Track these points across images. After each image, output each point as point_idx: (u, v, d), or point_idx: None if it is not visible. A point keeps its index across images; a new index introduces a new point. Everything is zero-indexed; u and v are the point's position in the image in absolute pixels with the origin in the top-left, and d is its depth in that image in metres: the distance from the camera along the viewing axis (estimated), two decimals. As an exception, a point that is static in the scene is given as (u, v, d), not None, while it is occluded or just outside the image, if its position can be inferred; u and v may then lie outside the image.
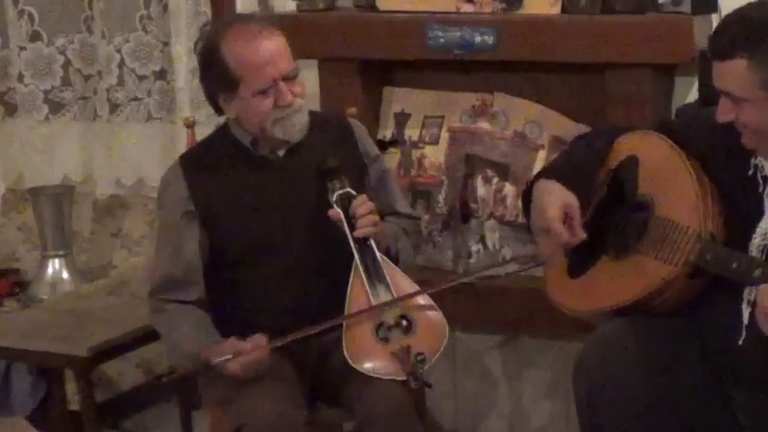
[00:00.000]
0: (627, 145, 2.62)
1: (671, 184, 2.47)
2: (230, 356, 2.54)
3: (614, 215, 2.57)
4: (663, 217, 2.45)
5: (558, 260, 2.64)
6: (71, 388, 3.44)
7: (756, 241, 2.35)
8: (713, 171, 2.46)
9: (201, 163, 2.81)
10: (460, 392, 3.61)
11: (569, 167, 2.59)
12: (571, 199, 2.51)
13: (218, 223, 2.75)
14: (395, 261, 2.77)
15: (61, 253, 3.90)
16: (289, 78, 2.70)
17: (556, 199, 2.51)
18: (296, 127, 2.72)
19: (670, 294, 2.42)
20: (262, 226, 2.74)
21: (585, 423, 2.46)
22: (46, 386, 3.62)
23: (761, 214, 2.36)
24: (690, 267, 2.38)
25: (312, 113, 2.82)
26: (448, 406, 3.61)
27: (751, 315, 2.29)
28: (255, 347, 2.56)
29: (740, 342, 2.33)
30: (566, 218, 2.50)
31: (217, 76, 2.71)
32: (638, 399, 2.36)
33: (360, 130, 2.95)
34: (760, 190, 2.37)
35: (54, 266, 3.89)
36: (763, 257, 2.33)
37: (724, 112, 2.34)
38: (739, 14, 2.33)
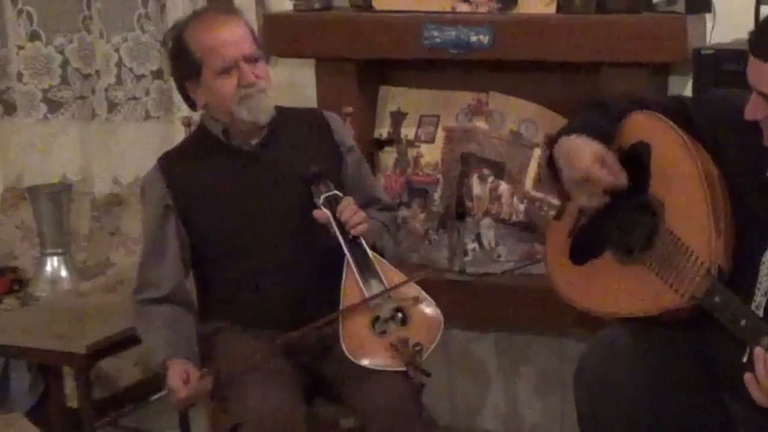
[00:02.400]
0: (641, 126, 2.49)
1: (684, 196, 2.36)
2: (166, 392, 2.61)
3: (621, 206, 2.47)
4: (671, 233, 2.36)
5: (563, 241, 2.59)
6: (70, 385, 3.45)
7: None
8: (727, 168, 2.37)
9: (177, 159, 2.86)
10: (455, 389, 3.63)
11: (588, 127, 2.47)
12: (599, 147, 2.40)
13: (197, 216, 2.78)
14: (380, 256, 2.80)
15: (60, 251, 3.91)
16: (251, 60, 2.75)
17: (587, 148, 2.40)
18: (261, 107, 2.75)
19: (673, 316, 2.36)
20: (240, 217, 2.77)
21: (585, 429, 2.45)
22: (45, 383, 3.63)
23: None
24: (695, 302, 2.28)
25: (284, 108, 2.86)
26: (444, 402, 3.62)
27: None
28: (190, 383, 2.60)
29: (744, 359, 2.24)
30: (602, 164, 2.40)
31: (182, 63, 2.78)
32: (639, 408, 2.33)
33: (335, 121, 2.98)
34: None
35: (52, 264, 3.90)
36: None
37: (755, 111, 2.22)
38: None
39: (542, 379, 3.54)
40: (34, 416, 3.35)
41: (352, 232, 2.67)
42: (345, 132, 3.01)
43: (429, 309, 2.67)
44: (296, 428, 2.56)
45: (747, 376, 2.14)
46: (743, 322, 2.19)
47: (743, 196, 2.34)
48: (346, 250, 2.67)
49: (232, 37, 2.74)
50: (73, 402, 3.44)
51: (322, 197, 2.72)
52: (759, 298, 2.26)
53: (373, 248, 2.77)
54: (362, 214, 2.71)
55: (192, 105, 2.86)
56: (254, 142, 2.82)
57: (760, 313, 2.23)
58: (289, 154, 2.81)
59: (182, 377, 2.60)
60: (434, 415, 3.62)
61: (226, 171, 2.80)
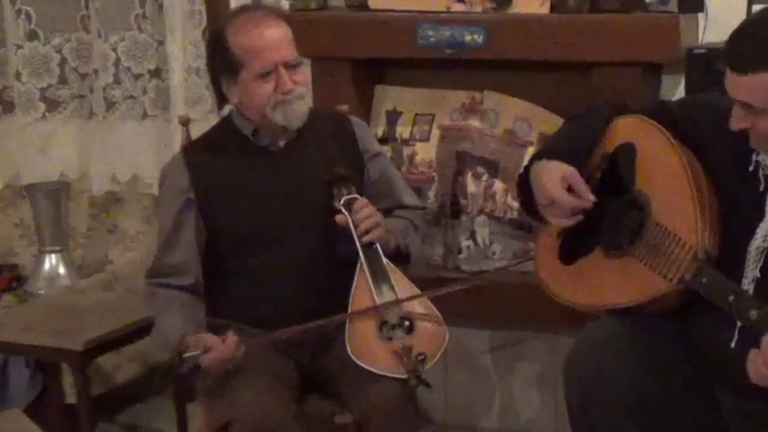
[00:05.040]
0: (624, 129, 2.55)
1: (669, 188, 2.41)
2: (200, 351, 2.56)
3: (609, 206, 2.52)
4: (659, 223, 2.40)
5: (551, 243, 2.61)
6: (68, 381, 3.48)
7: (756, 243, 2.30)
8: (712, 164, 2.41)
9: (202, 152, 2.85)
10: (450, 385, 3.64)
11: (564, 147, 2.54)
12: (569, 169, 2.47)
13: (217, 211, 2.78)
14: (405, 256, 2.81)
15: (58, 248, 3.92)
16: (291, 66, 2.74)
17: (555, 172, 2.47)
18: (296, 113, 2.75)
19: (662, 304, 2.39)
20: (260, 215, 2.77)
21: (575, 421, 2.47)
22: (43, 380, 3.65)
23: (761, 215, 2.31)
24: (684, 285, 2.32)
25: (313, 110, 2.86)
26: (439, 399, 3.63)
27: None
28: (226, 345, 2.58)
29: (732, 346, 2.29)
30: (569, 188, 2.46)
31: (221, 60, 2.75)
32: (628, 398, 2.36)
33: (360, 127, 2.99)
34: (761, 189, 2.32)
35: (51, 262, 3.91)
36: (761, 260, 2.30)
37: (739, 121, 2.26)
38: (760, 24, 2.24)
39: (537, 375, 3.55)
40: (32, 412, 3.35)
41: (363, 239, 2.67)
42: (370, 139, 3.02)
43: (435, 322, 2.66)
44: (286, 426, 2.57)
45: (752, 353, 2.17)
46: (731, 298, 2.23)
47: (728, 190, 2.38)
48: (360, 254, 2.67)
49: (275, 42, 2.71)
50: (71, 398, 3.46)
51: (343, 199, 2.72)
52: (747, 286, 2.30)
53: (397, 249, 2.79)
54: (376, 218, 2.71)
55: (222, 100, 2.84)
56: (281, 143, 2.83)
57: None
58: (313, 157, 2.82)
59: (219, 339, 2.57)
60: (429, 411, 3.64)
61: (250, 169, 2.80)
